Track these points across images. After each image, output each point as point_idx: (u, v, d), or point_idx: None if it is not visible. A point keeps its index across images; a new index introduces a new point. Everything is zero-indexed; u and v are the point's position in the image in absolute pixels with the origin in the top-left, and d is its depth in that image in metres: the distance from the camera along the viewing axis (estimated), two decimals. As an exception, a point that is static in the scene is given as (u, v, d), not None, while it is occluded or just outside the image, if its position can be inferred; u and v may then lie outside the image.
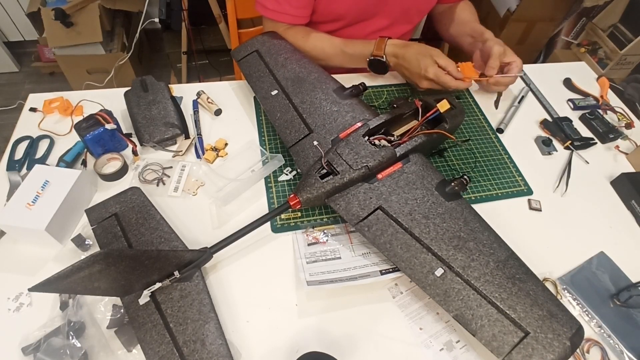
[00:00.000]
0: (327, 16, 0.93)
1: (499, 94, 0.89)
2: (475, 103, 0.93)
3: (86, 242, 0.64)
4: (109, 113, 0.74)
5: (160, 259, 0.54)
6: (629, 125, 0.90)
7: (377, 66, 0.88)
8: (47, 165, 0.72)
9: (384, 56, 0.85)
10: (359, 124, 0.70)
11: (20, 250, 0.63)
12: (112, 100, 0.83)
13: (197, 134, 0.80)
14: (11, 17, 2.07)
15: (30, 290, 0.44)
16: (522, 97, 0.93)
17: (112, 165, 0.74)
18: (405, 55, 0.82)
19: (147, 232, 0.62)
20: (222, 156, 0.78)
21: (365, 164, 0.63)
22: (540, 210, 0.75)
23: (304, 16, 0.91)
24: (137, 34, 1.89)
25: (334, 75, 0.84)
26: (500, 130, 0.87)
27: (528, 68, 1.02)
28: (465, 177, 0.65)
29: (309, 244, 0.66)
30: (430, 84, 0.82)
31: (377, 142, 0.68)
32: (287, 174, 0.75)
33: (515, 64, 0.84)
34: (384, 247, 0.59)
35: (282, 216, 0.69)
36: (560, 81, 1.01)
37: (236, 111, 0.86)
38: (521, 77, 0.99)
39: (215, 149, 0.78)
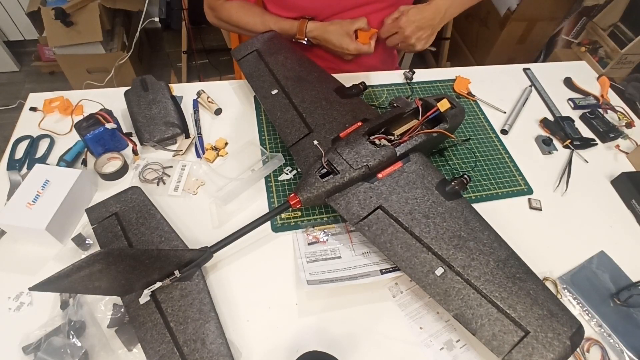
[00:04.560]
0: (295, 11, 0.91)
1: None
2: (475, 103, 0.93)
3: (86, 242, 0.64)
4: (109, 112, 0.74)
5: (160, 259, 0.54)
6: (630, 125, 0.90)
7: (302, 44, 0.92)
8: (48, 164, 0.72)
9: (306, 39, 0.90)
10: (359, 124, 0.70)
11: (20, 249, 0.63)
12: (112, 99, 0.83)
13: (197, 134, 0.80)
14: (11, 17, 2.07)
15: (30, 289, 0.44)
16: (527, 98, 0.94)
17: (112, 164, 0.74)
18: (325, 37, 0.88)
19: (147, 232, 0.62)
20: (222, 155, 0.78)
21: (365, 164, 0.63)
22: (541, 210, 0.75)
23: None
24: (137, 33, 1.89)
25: (334, 75, 0.84)
26: (505, 132, 0.87)
27: (529, 67, 1.02)
28: (466, 176, 0.65)
29: (309, 244, 0.66)
30: (354, 55, 0.92)
31: (377, 141, 0.68)
32: (287, 174, 0.75)
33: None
34: (384, 246, 0.59)
35: (283, 215, 0.70)
36: (560, 80, 1.01)
37: (236, 110, 0.86)
38: (526, 72, 0.99)
39: (215, 149, 0.78)
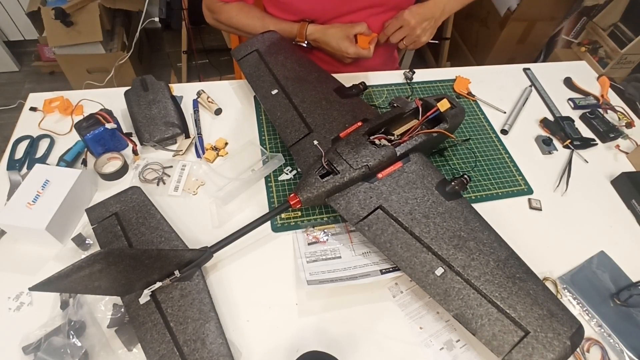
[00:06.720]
0: (295, 14, 0.90)
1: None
2: (475, 103, 0.93)
3: (86, 242, 0.64)
4: (109, 112, 0.74)
5: (160, 258, 0.54)
6: (630, 125, 0.90)
7: (302, 47, 0.93)
8: (48, 164, 0.72)
9: (306, 42, 0.91)
10: (359, 124, 0.70)
11: (20, 249, 0.63)
12: (112, 99, 0.83)
13: (197, 134, 0.80)
14: (11, 17, 2.07)
15: (30, 289, 0.44)
16: (527, 98, 0.94)
17: (112, 164, 0.74)
18: (325, 40, 0.89)
19: (147, 232, 0.62)
20: (222, 155, 0.78)
21: (365, 164, 0.63)
22: (541, 210, 0.75)
23: None
24: (137, 33, 1.89)
25: (334, 75, 0.84)
26: (505, 132, 0.87)
27: (529, 67, 1.02)
28: (466, 176, 0.65)
29: (309, 244, 0.66)
30: (353, 59, 0.92)
31: (377, 141, 0.68)
32: (287, 174, 0.75)
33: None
34: (384, 246, 0.59)
35: (282, 215, 0.70)
36: (560, 80, 1.01)
37: (236, 110, 0.86)
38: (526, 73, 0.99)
39: (215, 148, 0.78)
